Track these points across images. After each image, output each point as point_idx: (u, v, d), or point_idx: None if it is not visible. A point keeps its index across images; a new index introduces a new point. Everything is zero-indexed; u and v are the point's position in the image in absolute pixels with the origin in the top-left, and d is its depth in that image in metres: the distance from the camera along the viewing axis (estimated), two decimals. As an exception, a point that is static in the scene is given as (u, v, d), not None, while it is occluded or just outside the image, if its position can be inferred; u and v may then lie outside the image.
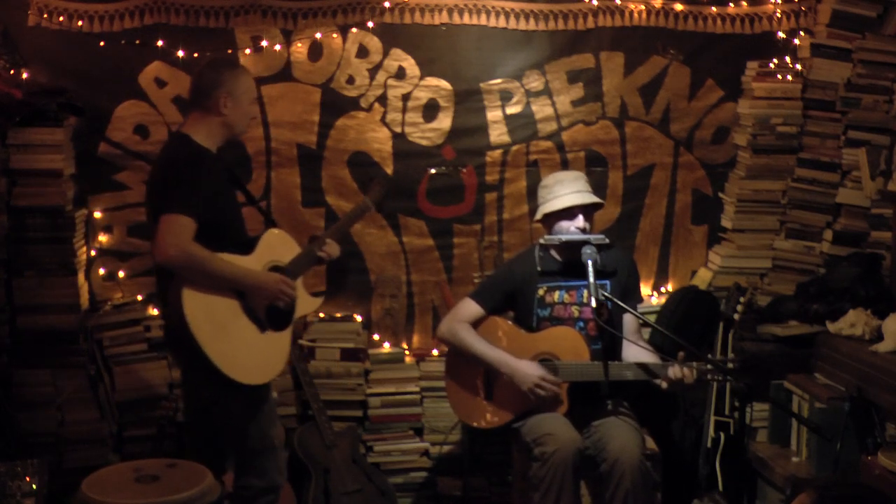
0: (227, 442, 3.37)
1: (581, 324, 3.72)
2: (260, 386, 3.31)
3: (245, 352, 3.23)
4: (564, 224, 3.73)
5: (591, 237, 3.67)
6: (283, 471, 3.47)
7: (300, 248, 3.50)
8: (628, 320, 3.74)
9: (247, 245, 3.33)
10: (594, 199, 3.75)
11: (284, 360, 3.41)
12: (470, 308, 3.79)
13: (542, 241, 3.77)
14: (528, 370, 3.62)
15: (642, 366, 3.53)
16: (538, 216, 3.81)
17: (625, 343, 3.69)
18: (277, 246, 3.43)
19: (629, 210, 4.66)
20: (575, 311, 3.73)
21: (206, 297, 3.15)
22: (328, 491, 3.95)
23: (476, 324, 3.78)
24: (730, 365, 3.56)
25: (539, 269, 3.77)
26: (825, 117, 4.51)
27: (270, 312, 3.31)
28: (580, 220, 3.71)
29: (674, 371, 3.44)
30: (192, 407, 3.49)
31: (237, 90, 3.30)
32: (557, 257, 3.78)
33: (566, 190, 3.73)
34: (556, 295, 3.75)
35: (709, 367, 3.46)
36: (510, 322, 3.82)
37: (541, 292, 3.75)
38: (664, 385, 3.49)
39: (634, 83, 4.58)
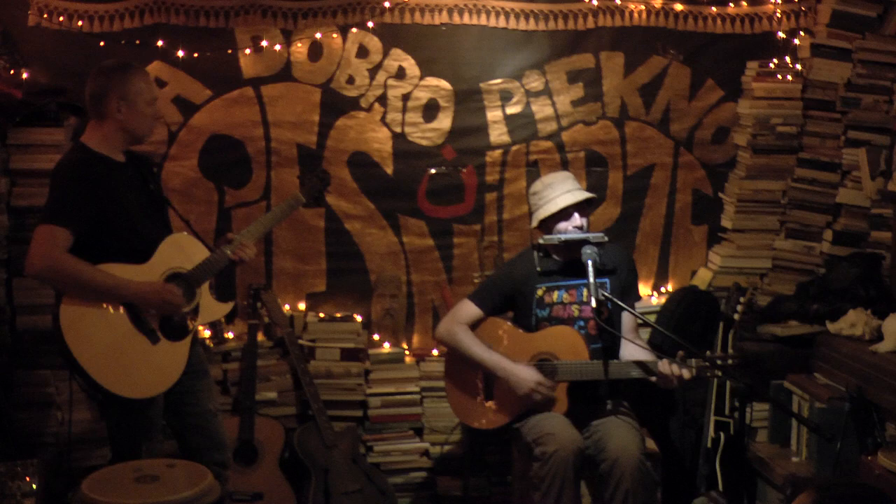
0: (114, 457, 3.24)
1: (581, 323, 3.72)
2: (149, 399, 3.21)
3: (131, 365, 3.14)
4: (562, 225, 3.72)
5: (591, 235, 3.68)
6: None
7: (209, 252, 3.37)
8: (626, 319, 3.74)
9: (147, 253, 3.22)
10: (585, 195, 3.74)
11: (179, 372, 3.27)
12: (469, 310, 3.79)
13: (541, 241, 3.76)
14: (524, 374, 3.61)
15: (641, 364, 3.53)
16: (534, 223, 3.81)
17: (622, 341, 3.69)
18: (180, 252, 3.30)
19: (629, 210, 4.66)
20: (575, 310, 3.73)
21: (86, 311, 3.08)
22: (328, 491, 3.95)
23: (475, 325, 3.78)
24: (730, 361, 3.56)
25: (538, 269, 3.76)
26: (825, 117, 4.51)
27: (166, 322, 3.22)
28: (576, 219, 3.71)
29: (671, 368, 3.44)
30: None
31: (129, 93, 3.22)
32: (556, 257, 3.78)
33: (556, 192, 3.72)
34: (556, 295, 3.74)
35: (707, 364, 3.46)
36: (509, 322, 3.81)
37: (540, 293, 3.75)
38: (663, 383, 3.48)
39: (634, 83, 4.58)
